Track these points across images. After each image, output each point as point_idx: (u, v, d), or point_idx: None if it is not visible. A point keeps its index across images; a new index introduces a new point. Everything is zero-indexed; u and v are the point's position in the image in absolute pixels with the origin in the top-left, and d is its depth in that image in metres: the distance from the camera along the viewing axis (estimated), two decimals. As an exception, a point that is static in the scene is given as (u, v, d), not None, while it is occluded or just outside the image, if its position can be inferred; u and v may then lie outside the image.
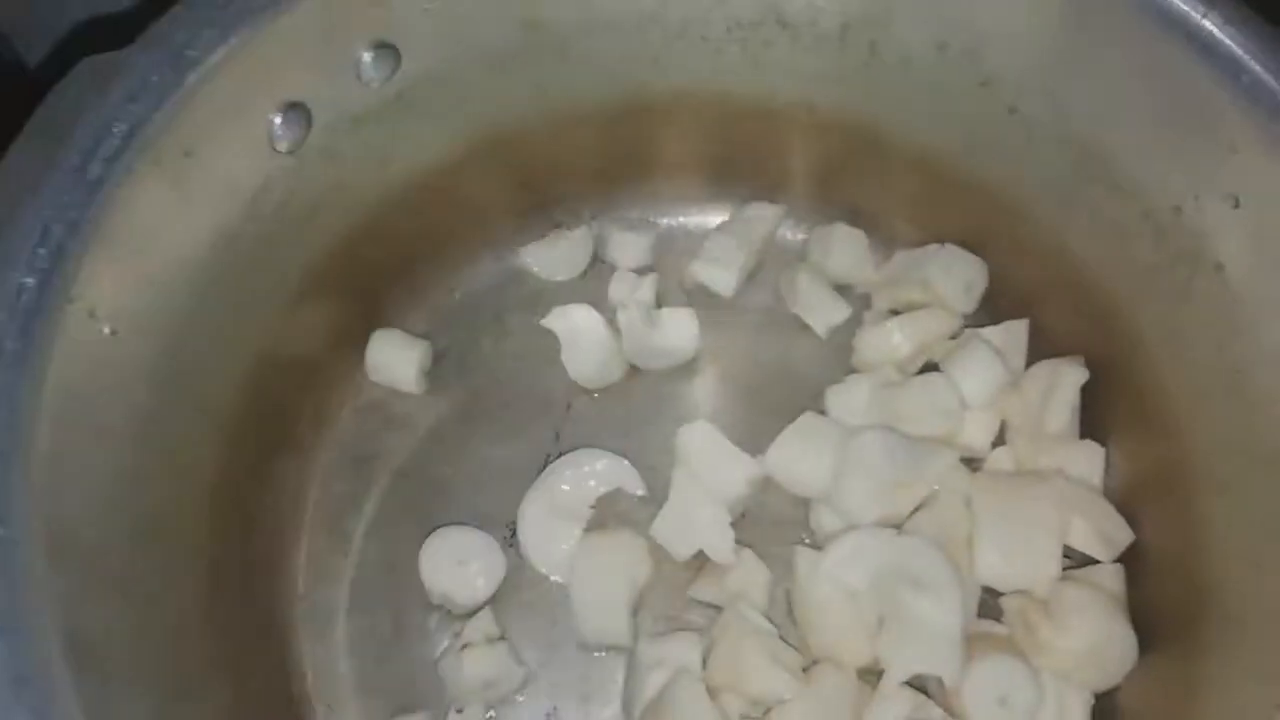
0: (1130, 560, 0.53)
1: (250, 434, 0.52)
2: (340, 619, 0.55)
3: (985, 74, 0.51)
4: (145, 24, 0.40)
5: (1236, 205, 0.42)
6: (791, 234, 0.66)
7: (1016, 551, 0.51)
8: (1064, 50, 0.47)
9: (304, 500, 0.57)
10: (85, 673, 0.32)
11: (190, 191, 0.42)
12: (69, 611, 0.33)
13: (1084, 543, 0.53)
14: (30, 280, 0.35)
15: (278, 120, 0.46)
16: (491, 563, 0.55)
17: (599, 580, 0.54)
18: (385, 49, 0.49)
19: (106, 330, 0.39)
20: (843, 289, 0.64)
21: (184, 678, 0.42)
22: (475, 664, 0.52)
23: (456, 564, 0.55)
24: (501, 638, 0.54)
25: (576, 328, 0.61)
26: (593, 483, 0.57)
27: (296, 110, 0.46)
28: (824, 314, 0.63)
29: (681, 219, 0.67)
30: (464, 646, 0.52)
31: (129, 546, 0.39)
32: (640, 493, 0.57)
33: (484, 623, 0.53)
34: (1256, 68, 0.40)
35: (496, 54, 0.53)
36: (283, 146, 0.47)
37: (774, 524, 0.58)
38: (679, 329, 0.62)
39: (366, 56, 0.48)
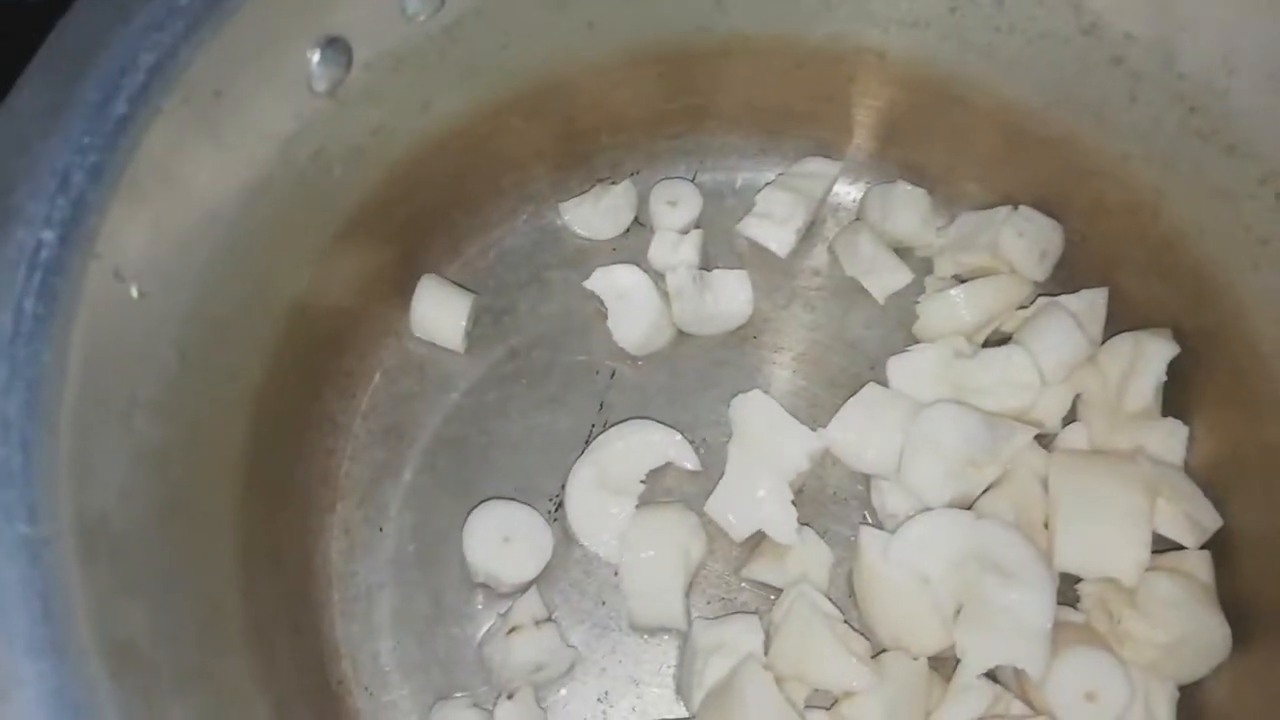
0: (1218, 547, 0.50)
1: (282, 400, 0.48)
2: (378, 598, 0.52)
3: (1090, 20, 0.46)
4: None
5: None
6: (846, 192, 0.62)
7: (1102, 537, 0.48)
8: (1184, -7, 0.42)
9: (337, 470, 0.54)
10: (126, 683, 0.29)
11: (222, 135, 0.38)
12: (104, 615, 0.29)
13: (1169, 528, 0.50)
14: (50, 234, 0.31)
15: (316, 57, 0.41)
16: (538, 540, 0.52)
17: (651, 560, 0.51)
18: (433, -22, 0.44)
19: (134, 291, 0.35)
20: (902, 252, 0.60)
21: (223, 671, 0.39)
22: (523, 648, 0.49)
23: (501, 541, 0.51)
24: (549, 619, 0.51)
25: (622, 290, 0.57)
26: (643, 456, 0.54)
27: (336, 46, 0.42)
28: (883, 278, 0.59)
29: (731, 174, 0.62)
30: (511, 630, 0.49)
31: (159, 533, 0.35)
32: (693, 467, 0.54)
33: (531, 603, 0.50)
34: None
35: (549, -12, 0.48)
36: (321, 87, 0.42)
37: (833, 500, 0.55)
38: (731, 292, 0.58)
39: (413, -14, 0.43)
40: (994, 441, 0.51)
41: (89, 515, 0.31)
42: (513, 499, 0.53)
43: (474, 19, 0.47)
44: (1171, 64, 0.45)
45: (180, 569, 0.37)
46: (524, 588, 0.52)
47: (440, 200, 0.56)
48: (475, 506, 0.53)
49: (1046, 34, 0.48)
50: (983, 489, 0.51)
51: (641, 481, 0.53)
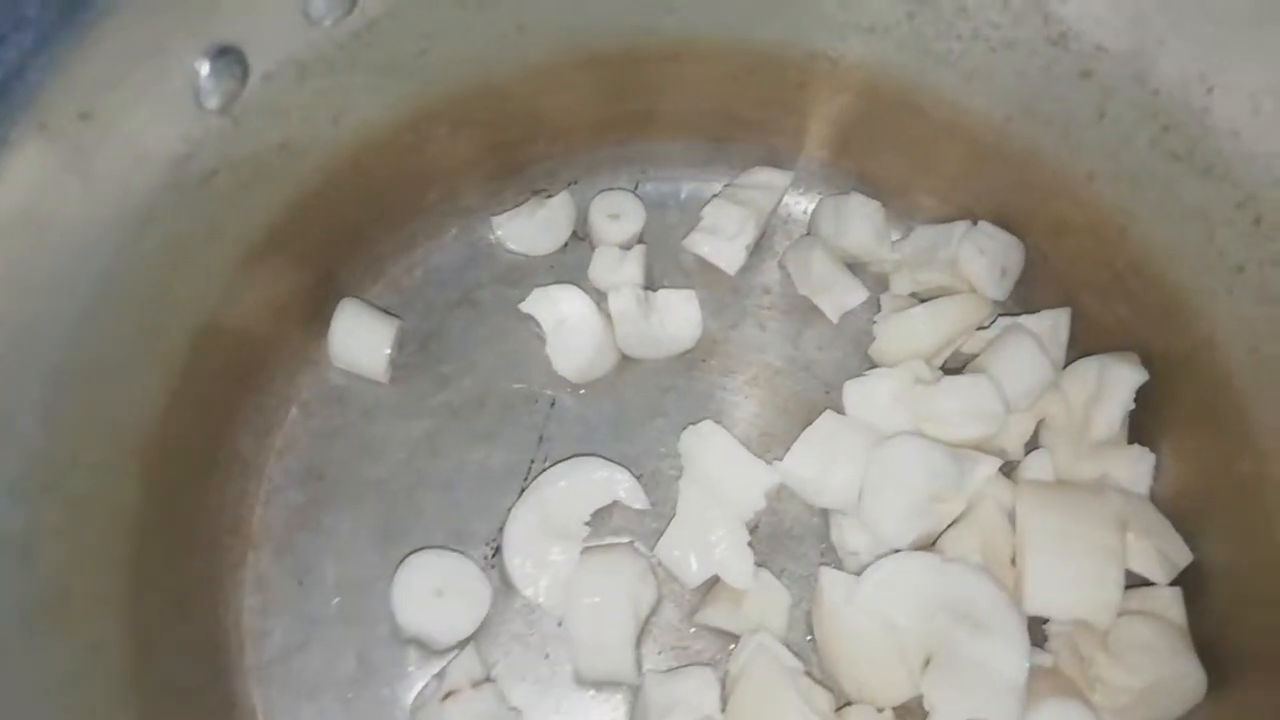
0: (1188, 582, 0.48)
1: (181, 445, 0.43)
2: (298, 659, 0.47)
3: (1059, 29, 0.43)
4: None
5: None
6: (796, 203, 0.59)
7: (1072, 578, 0.46)
8: (1161, 4, 0.39)
9: (249, 517, 0.49)
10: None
11: (92, 163, 0.33)
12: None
13: (1139, 563, 0.48)
14: None
15: (205, 70, 0.36)
16: (474, 592, 0.48)
17: (598, 608, 0.47)
18: (339, -22, 0.39)
19: (-16, 353, 0.29)
20: (856, 267, 0.57)
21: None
22: (460, 714, 0.44)
23: (434, 594, 0.47)
24: (488, 679, 0.47)
25: (561, 312, 0.53)
26: (588, 495, 0.50)
27: (228, 57, 0.37)
28: (837, 296, 0.56)
29: (675, 185, 0.59)
30: (447, 695, 0.44)
31: (23, 642, 0.30)
32: (641, 506, 0.50)
33: (468, 662, 0.46)
34: None
35: (474, -12, 0.43)
36: (212, 103, 0.37)
37: (790, 537, 0.52)
38: (677, 313, 0.54)
39: (318, -13, 0.38)
40: (958, 474, 0.48)
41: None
42: (445, 547, 0.49)
43: (388, 22, 0.42)
44: (1145, 79, 0.42)
45: (60, 664, 0.32)
46: (460, 645, 0.47)
47: (359, 218, 0.51)
48: (405, 557, 0.48)
49: (1011, 43, 0.45)
50: (946, 524, 0.49)
51: (586, 523, 0.50)
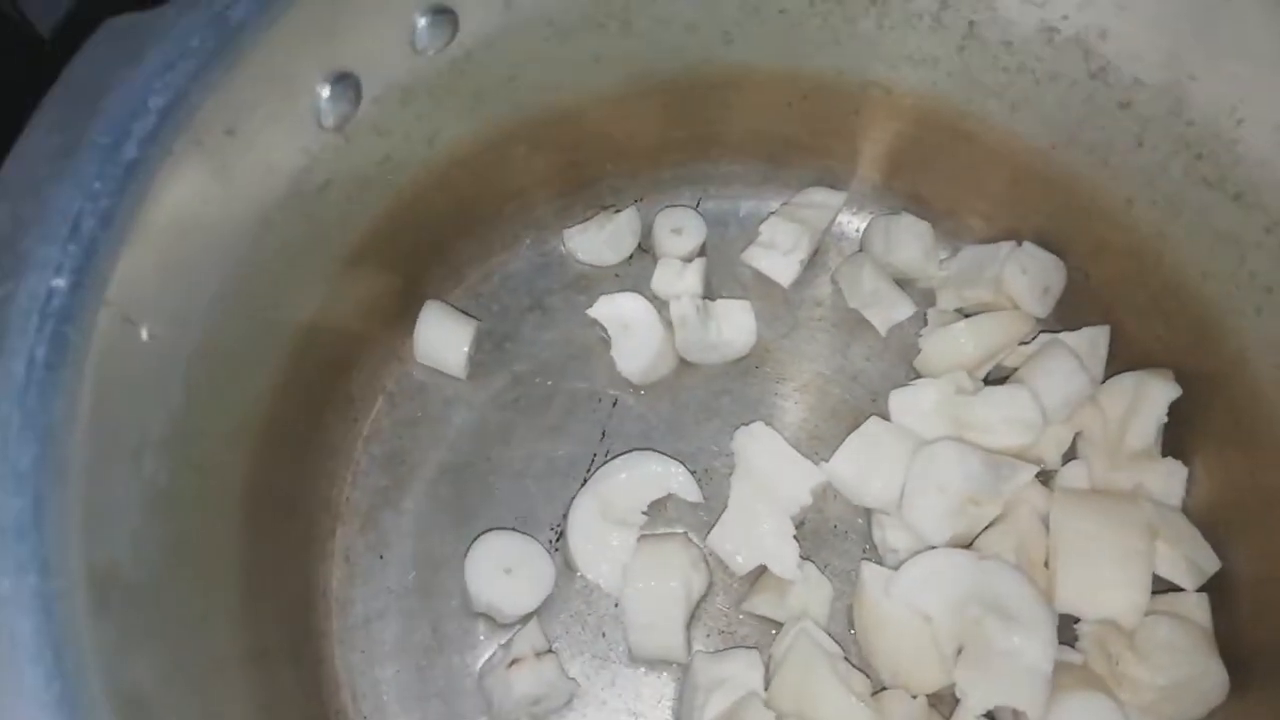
0: (1215, 589, 0.50)
1: (285, 427, 0.48)
2: (378, 626, 0.52)
3: (1098, 64, 0.46)
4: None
5: (1387, 227, 0.39)
6: (849, 223, 0.62)
7: (1102, 579, 0.48)
8: (1199, 42, 0.42)
9: (339, 497, 0.54)
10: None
11: (232, 172, 0.38)
12: (113, 666, 0.29)
13: (1168, 569, 0.50)
14: (61, 282, 0.31)
15: (325, 93, 0.41)
16: (539, 571, 0.52)
17: (652, 591, 0.51)
18: (442, 14, 0.44)
19: (144, 333, 0.34)
20: (905, 283, 0.60)
21: (228, 706, 0.38)
22: (523, 681, 0.49)
23: (503, 572, 0.51)
24: (550, 650, 0.51)
25: (625, 318, 0.57)
26: (646, 487, 0.54)
27: (345, 82, 0.42)
28: (886, 310, 0.59)
29: (735, 203, 0.63)
30: (512, 662, 0.49)
31: (167, 578, 0.35)
32: (695, 499, 0.54)
33: (532, 635, 0.50)
34: None
35: (557, 21, 0.48)
36: (329, 121, 0.42)
37: (834, 534, 0.55)
38: (734, 321, 0.58)
39: (422, 22, 0.43)
40: (995, 480, 0.51)
41: (100, 565, 0.30)
42: (514, 529, 0.53)
43: (482, 52, 0.47)
44: (1180, 111, 0.45)
45: (187, 612, 0.37)
46: (525, 619, 0.51)
47: (444, 228, 0.56)
48: (477, 536, 0.52)
49: (1055, 76, 0.48)
50: (984, 526, 0.52)
51: (643, 513, 0.53)
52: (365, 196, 0.48)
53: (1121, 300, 0.55)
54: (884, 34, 0.51)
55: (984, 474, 0.51)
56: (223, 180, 0.37)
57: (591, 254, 0.61)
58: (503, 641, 0.51)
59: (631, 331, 0.57)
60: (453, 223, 0.57)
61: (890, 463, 0.53)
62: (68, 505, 0.29)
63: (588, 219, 0.61)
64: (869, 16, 0.50)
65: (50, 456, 0.29)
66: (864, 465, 0.53)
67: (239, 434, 0.43)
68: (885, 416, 0.55)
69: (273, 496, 0.47)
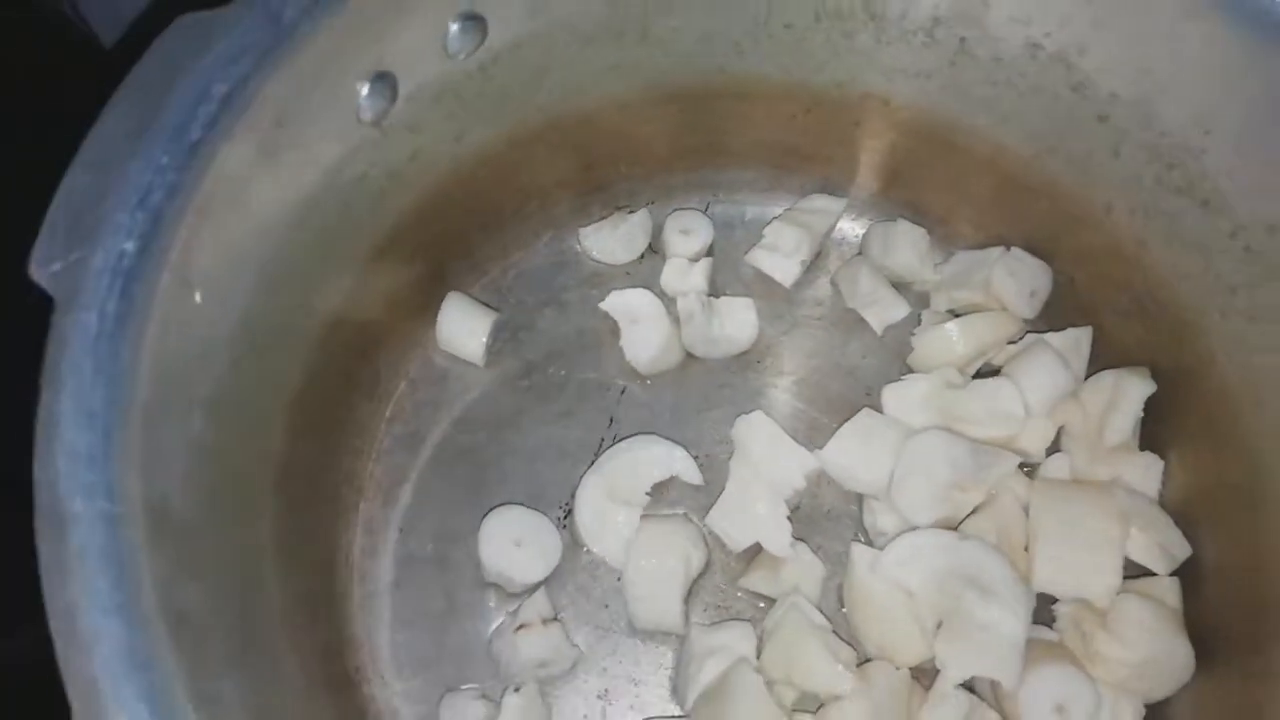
0: (1186, 574, 0.53)
1: (315, 404, 0.52)
2: (394, 593, 0.55)
3: (1078, 79, 0.50)
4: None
5: (1339, 229, 0.42)
6: (849, 228, 0.66)
7: (1077, 561, 0.51)
8: (1168, 59, 0.46)
9: (363, 472, 0.57)
10: (184, 647, 0.32)
11: (278, 159, 0.42)
12: (166, 587, 0.33)
13: (1142, 555, 0.53)
14: (130, 245, 0.35)
15: (364, 90, 0.45)
16: (548, 544, 0.55)
17: (653, 567, 0.54)
18: (474, 20, 0.48)
19: (197, 297, 0.38)
20: (900, 286, 0.63)
21: (263, 649, 0.42)
22: (530, 645, 0.52)
23: (514, 545, 0.54)
24: (556, 619, 0.54)
25: (635, 312, 0.61)
26: (649, 469, 0.57)
27: (383, 81, 0.46)
28: (882, 311, 0.63)
29: (741, 208, 0.66)
30: (519, 627, 0.52)
31: (209, 519, 0.39)
32: (696, 482, 0.57)
33: (539, 604, 0.53)
34: (1375, 88, 0.39)
35: (579, 29, 0.52)
36: (367, 117, 0.46)
37: (827, 518, 0.58)
38: (737, 318, 0.62)
39: (455, 27, 0.47)
40: (979, 468, 0.54)
41: (154, 498, 0.34)
42: (525, 505, 0.57)
43: (510, 56, 0.51)
44: (1151, 123, 0.49)
45: (226, 553, 0.40)
46: (533, 589, 0.55)
47: (468, 223, 0.60)
48: (490, 511, 0.56)
49: (1039, 89, 0.52)
50: (968, 511, 0.55)
51: (647, 493, 0.57)
52: (396, 190, 0.52)
53: (1103, 302, 0.58)
54: (881, 49, 0.55)
55: (968, 461, 0.54)
56: (271, 166, 0.41)
57: (605, 252, 0.64)
58: (511, 609, 0.55)
59: (640, 325, 0.60)
60: (476, 218, 0.60)
61: (881, 451, 0.56)
62: (130, 443, 0.33)
63: (603, 219, 0.64)
64: (867, 31, 0.54)
65: (117, 399, 0.33)
66: (856, 453, 0.56)
67: (274, 405, 0.47)
68: (879, 410, 0.58)
69: (302, 467, 0.51)
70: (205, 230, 0.38)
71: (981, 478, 0.54)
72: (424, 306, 0.61)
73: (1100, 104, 0.50)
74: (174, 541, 0.35)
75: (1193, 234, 0.50)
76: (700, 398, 0.61)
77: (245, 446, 0.44)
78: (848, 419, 0.57)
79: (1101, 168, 0.52)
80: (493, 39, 0.49)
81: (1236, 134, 0.45)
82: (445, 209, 0.57)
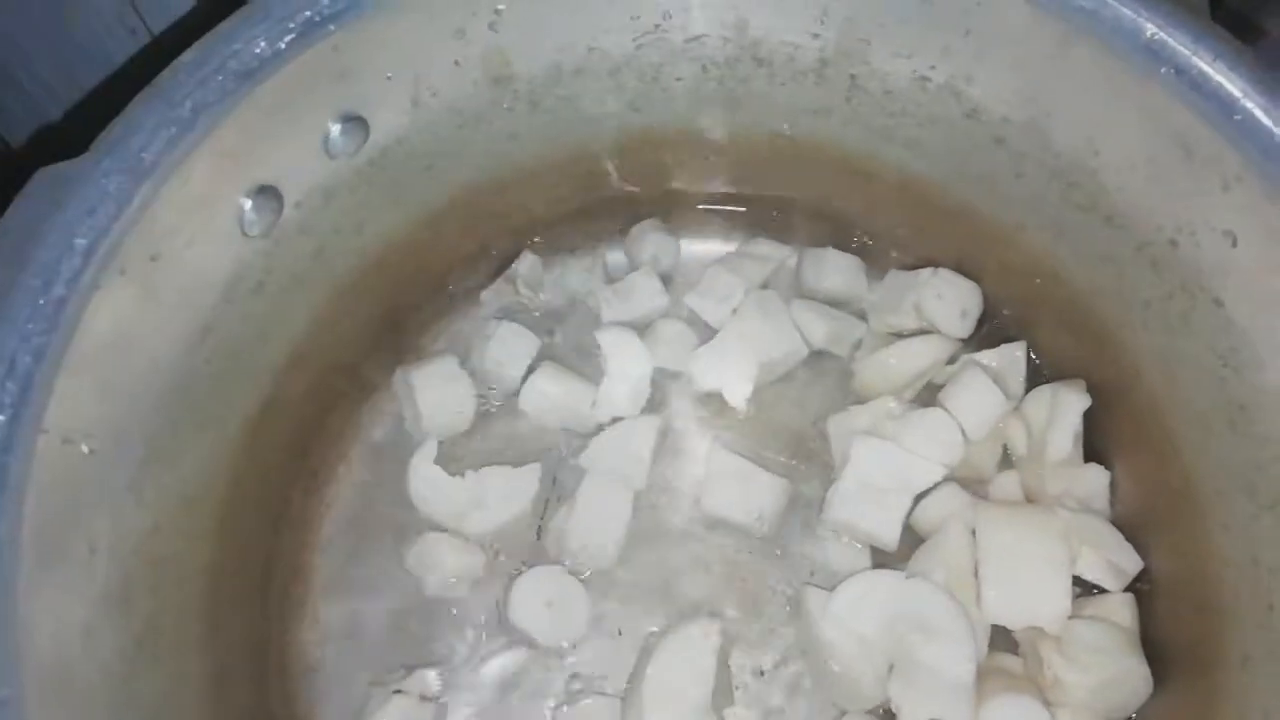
0: (1141, 589, 0.52)
1: (246, 511, 0.52)
2: (355, 681, 0.55)
3: (969, 106, 0.49)
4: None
5: (1235, 243, 0.41)
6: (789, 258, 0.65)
7: (1025, 590, 0.50)
8: (1050, 84, 0.45)
9: (306, 566, 0.57)
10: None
11: (160, 293, 0.41)
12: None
13: (1093, 573, 0.52)
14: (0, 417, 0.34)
15: (248, 206, 0.45)
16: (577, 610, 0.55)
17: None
18: (353, 121, 0.48)
19: (84, 449, 0.38)
20: (840, 306, 0.62)
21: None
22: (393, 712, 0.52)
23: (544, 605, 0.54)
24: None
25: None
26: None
27: (266, 194, 0.45)
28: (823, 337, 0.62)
29: (675, 254, 0.65)
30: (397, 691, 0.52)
31: (124, 673, 0.38)
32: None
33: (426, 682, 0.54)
34: (1249, 105, 0.38)
35: (465, 111, 0.52)
36: (255, 231, 0.46)
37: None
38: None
39: (334, 130, 0.47)
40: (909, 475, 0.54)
41: (49, 668, 0.34)
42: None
43: (396, 148, 0.50)
44: (1047, 145, 0.48)
45: (148, 703, 0.40)
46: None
47: (388, 304, 0.60)
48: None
49: (934, 119, 0.51)
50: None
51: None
52: (302, 289, 0.52)
53: (1033, 318, 0.58)
54: (776, 90, 0.54)
55: (899, 467, 0.54)
56: (152, 300, 0.41)
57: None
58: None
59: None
60: (396, 298, 0.60)
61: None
62: (12, 619, 0.33)
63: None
64: (759, 77, 0.54)
65: (-3, 574, 0.33)
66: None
67: (195, 525, 0.47)
68: (825, 436, 0.58)
69: (239, 577, 0.51)
70: (84, 383, 0.38)
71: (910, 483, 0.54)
72: (356, 390, 0.60)
73: (994, 128, 0.49)
74: (79, 711, 0.35)
75: (1102, 250, 0.49)
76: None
77: (165, 579, 0.44)
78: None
79: (1007, 189, 0.52)
80: (376, 134, 0.49)
81: (1124, 154, 0.45)
82: (362, 295, 0.57)
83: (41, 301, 0.36)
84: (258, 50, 0.41)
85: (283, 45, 0.42)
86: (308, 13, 0.42)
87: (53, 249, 0.37)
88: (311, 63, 0.43)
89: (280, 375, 0.53)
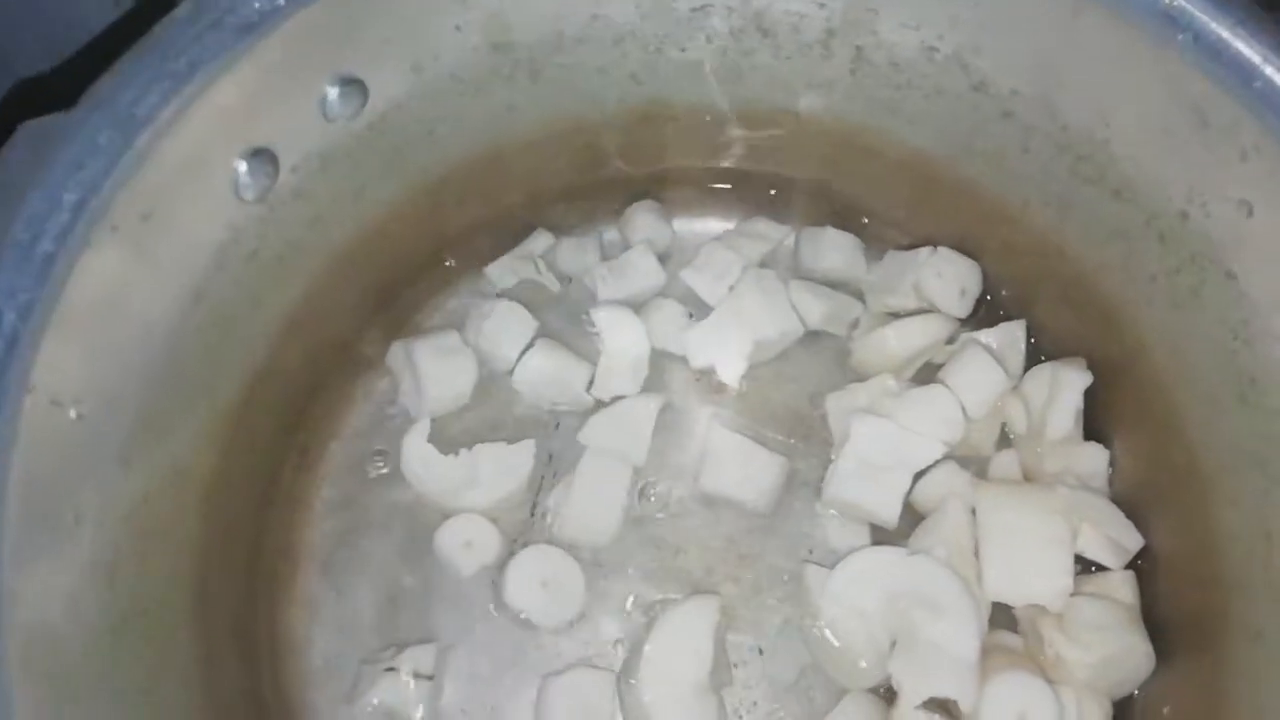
0: (1143, 563, 0.52)
1: (236, 484, 0.51)
2: (343, 665, 0.54)
3: (977, 78, 0.49)
4: (86, 84, 0.37)
5: (1250, 213, 0.41)
6: (787, 239, 0.64)
7: (1026, 568, 0.50)
8: (1061, 54, 0.45)
9: (296, 544, 0.56)
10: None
11: (153, 254, 0.40)
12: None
13: (1094, 550, 0.52)
14: (-18, 376, 0.33)
15: (243, 169, 0.43)
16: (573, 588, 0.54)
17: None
18: (351, 84, 0.46)
19: (73, 414, 0.37)
20: (838, 286, 0.62)
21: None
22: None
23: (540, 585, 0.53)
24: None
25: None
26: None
27: (262, 156, 0.44)
28: (820, 316, 0.61)
29: (675, 229, 0.64)
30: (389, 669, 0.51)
31: (111, 642, 0.37)
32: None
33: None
34: (1270, 72, 0.38)
35: (465, 79, 0.51)
36: (249, 195, 0.44)
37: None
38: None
39: (332, 93, 0.46)
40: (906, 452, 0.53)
41: (32, 637, 0.33)
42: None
43: (395, 113, 0.49)
44: (1055, 117, 0.47)
45: (135, 676, 0.39)
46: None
47: (385, 276, 0.58)
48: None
49: (940, 90, 0.51)
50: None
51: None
52: (297, 257, 0.50)
53: (1034, 296, 0.57)
54: (781, 64, 0.53)
55: (898, 445, 0.53)
56: (144, 262, 0.40)
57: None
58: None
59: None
60: (393, 270, 0.59)
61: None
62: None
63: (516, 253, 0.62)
64: (764, 49, 0.53)
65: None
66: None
67: (183, 496, 0.45)
68: (824, 416, 0.57)
69: (227, 552, 0.49)
70: (72, 344, 0.36)
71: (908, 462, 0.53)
72: (350, 364, 0.59)
73: (1002, 101, 0.49)
74: (59, 678, 0.33)
75: (1109, 224, 0.49)
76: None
77: (152, 551, 0.42)
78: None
79: (1013, 164, 0.51)
80: (375, 99, 0.48)
81: (1137, 124, 0.44)
82: (359, 266, 0.55)
83: (28, 257, 0.35)
84: (257, 4, 0.39)
85: (282, 1, 0.40)
86: (308, -32, 0.41)
87: (40, 204, 0.35)
88: (311, 21, 0.41)
89: (274, 346, 0.52)
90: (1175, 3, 0.39)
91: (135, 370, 0.41)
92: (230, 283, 0.46)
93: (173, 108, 0.38)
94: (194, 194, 0.41)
